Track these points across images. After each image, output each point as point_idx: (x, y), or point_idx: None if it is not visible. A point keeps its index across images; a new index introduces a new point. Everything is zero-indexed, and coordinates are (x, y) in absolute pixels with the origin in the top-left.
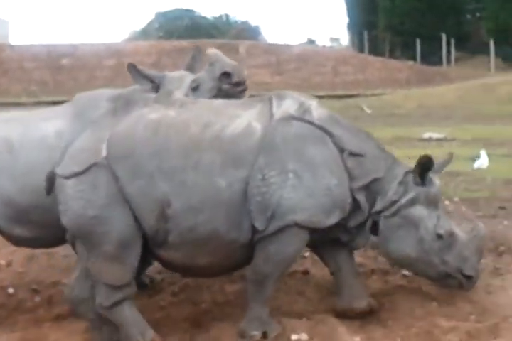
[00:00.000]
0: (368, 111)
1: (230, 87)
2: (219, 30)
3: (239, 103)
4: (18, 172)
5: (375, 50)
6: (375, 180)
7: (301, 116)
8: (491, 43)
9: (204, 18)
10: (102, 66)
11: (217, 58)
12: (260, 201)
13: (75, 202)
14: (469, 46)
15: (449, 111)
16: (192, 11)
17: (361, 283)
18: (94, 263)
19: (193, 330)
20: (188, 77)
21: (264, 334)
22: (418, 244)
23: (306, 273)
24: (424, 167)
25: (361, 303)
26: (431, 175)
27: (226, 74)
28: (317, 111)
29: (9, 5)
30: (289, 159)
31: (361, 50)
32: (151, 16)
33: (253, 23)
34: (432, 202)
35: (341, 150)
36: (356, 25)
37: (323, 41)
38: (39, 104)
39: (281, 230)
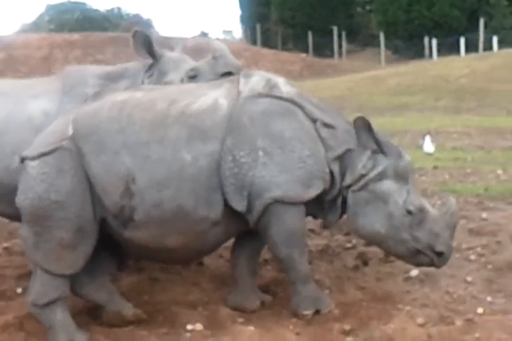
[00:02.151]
0: None
1: None
2: (111, 23)
3: (208, 84)
4: (4, 152)
5: (268, 43)
6: (348, 151)
7: (269, 93)
8: (381, 36)
9: (96, 10)
10: None
11: (222, 54)
12: (234, 182)
13: (37, 184)
14: (360, 39)
15: (340, 103)
16: (83, 3)
17: (255, 282)
18: (43, 249)
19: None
20: (186, 62)
21: (317, 312)
22: (387, 220)
23: (201, 264)
24: (365, 127)
25: (253, 304)
26: (400, 149)
27: (229, 74)
28: (285, 87)
29: None
30: (257, 137)
31: (254, 42)
32: (42, 9)
33: (145, 15)
34: (402, 176)
35: (314, 121)
36: (249, 17)
37: (216, 34)
38: None
39: (266, 210)
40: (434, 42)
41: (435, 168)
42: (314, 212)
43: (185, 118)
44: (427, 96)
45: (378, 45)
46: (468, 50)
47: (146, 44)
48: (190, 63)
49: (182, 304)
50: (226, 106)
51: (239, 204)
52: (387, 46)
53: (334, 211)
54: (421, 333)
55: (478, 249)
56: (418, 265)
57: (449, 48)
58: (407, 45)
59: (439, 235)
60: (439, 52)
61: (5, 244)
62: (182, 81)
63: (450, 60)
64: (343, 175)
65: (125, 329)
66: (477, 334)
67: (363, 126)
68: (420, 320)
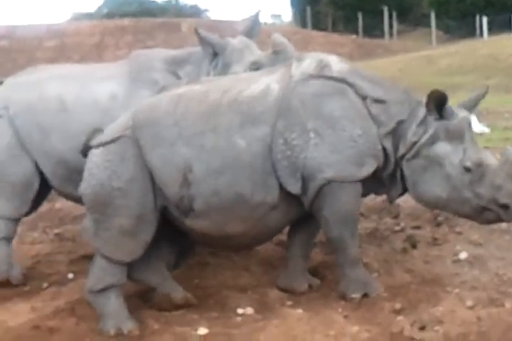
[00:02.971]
0: None
1: None
2: (168, 14)
3: (264, 70)
4: (71, 133)
5: (318, 25)
6: (400, 122)
7: (320, 73)
8: (432, 15)
9: (154, 2)
10: (42, 47)
11: (283, 48)
12: (287, 165)
13: (100, 171)
14: (411, 19)
15: None
16: None
17: (306, 266)
18: (103, 236)
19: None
20: (249, 52)
21: (365, 296)
22: (446, 182)
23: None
24: (437, 101)
25: (301, 286)
26: (455, 109)
27: None
28: (337, 65)
29: None
30: (308, 119)
31: (304, 25)
32: (101, 1)
33: (202, 6)
34: (456, 135)
35: (364, 98)
36: (299, 0)
37: (264, 18)
38: None
39: (320, 191)
40: (485, 21)
41: (486, 148)
42: (375, 189)
43: (237, 105)
44: (477, 76)
45: (429, 25)
46: None
47: (201, 37)
48: (254, 52)
49: (232, 288)
50: (277, 90)
51: (293, 187)
52: (438, 26)
53: (395, 186)
54: (470, 315)
55: None
56: (488, 223)
57: (500, 26)
58: (459, 24)
59: (502, 187)
60: (490, 30)
61: (56, 230)
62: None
63: (500, 38)
64: (397, 148)
65: (175, 313)
66: None
67: (436, 98)
68: (469, 303)
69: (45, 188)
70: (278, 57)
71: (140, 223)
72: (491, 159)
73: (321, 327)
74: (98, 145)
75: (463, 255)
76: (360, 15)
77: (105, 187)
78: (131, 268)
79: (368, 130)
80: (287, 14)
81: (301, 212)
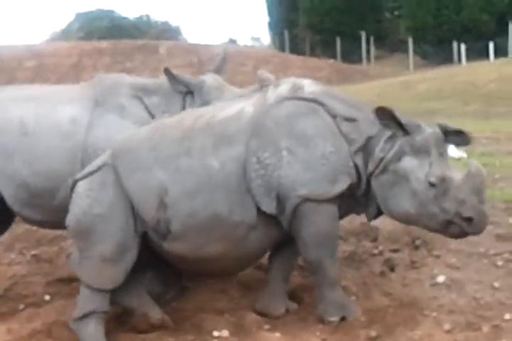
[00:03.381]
0: None
1: None
2: (140, 30)
3: (240, 98)
4: (32, 157)
5: (296, 49)
6: (369, 139)
7: (293, 95)
8: (410, 41)
9: (125, 18)
10: (22, 67)
11: (269, 84)
12: (261, 184)
13: (83, 200)
14: (388, 44)
15: None
16: (112, 11)
17: (284, 289)
18: (85, 264)
19: None
20: (227, 90)
21: (343, 319)
22: (413, 198)
23: None
24: (384, 117)
25: (279, 310)
26: (424, 125)
27: None
28: (310, 87)
29: None
30: (280, 138)
31: (282, 49)
32: (72, 17)
33: (174, 23)
34: (421, 150)
35: (334, 117)
36: (277, 24)
37: (244, 41)
38: None
39: (296, 211)
40: (463, 47)
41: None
42: (353, 208)
43: (210, 128)
44: (456, 102)
45: (407, 51)
46: (497, 54)
47: (172, 77)
48: (232, 91)
49: (209, 311)
50: (251, 112)
51: (268, 207)
52: (415, 51)
53: (371, 203)
54: (448, 339)
55: (506, 255)
56: (454, 237)
57: (478, 53)
58: (436, 50)
59: (465, 201)
60: (468, 57)
61: (33, 252)
62: None
63: (479, 65)
64: (367, 164)
65: (151, 336)
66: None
67: (384, 114)
68: (447, 326)
69: (6, 212)
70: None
71: (121, 250)
72: (456, 174)
73: None
74: (82, 177)
75: (441, 278)
76: (338, 40)
77: (87, 215)
78: (113, 292)
79: (339, 148)
80: (266, 37)
81: (282, 233)
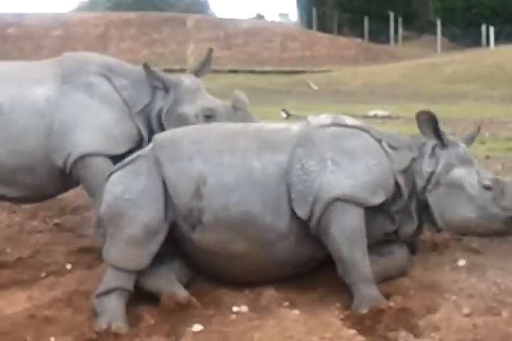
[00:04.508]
0: (315, 87)
1: None
2: (168, 3)
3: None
4: (8, 136)
5: (324, 27)
6: (413, 160)
7: (336, 122)
8: (438, 23)
9: None
10: (48, 36)
11: (243, 107)
12: (301, 189)
13: (115, 188)
14: (417, 25)
15: (395, 90)
16: None
17: None
18: (113, 247)
19: None
20: (201, 96)
21: (373, 308)
22: (472, 203)
23: None
24: (429, 123)
25: None
26: (454, 139)
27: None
28: (350, 120)
29: None
30: (326, 151)
31: (310, 26)
32: None
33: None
34: (465, 160)
35: (379, 141)
36: (306, 1)
37: (272, 16)
38: None
39: (327, 210)
40: (492, 30)
41: (487, 157)
42: (383, 226)
43: (258, 133)
44: (482, 85)
45: (435, 32)
46: None
47: (150, 73)
48: (207, 99)
49: (228, 286)
50: (297, 129)
51: (303, 211)
52: (444, 33)
53: (409, 220)
54: (467, 323)
55: None
56: None
57: (506, 37)
58: (464, 32)
59: None
60: (497, 40)
61: (56, 220)
62: (197, 117)
63: (507, 48)
64: (411, 184)
65: (171, 310)
66: None
67: (427, 119)
68: (466, 310)
69: None
70: (236, 112)
71: (147, 233)
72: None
73: (317, 329)
74: (117, 169)
75: (461, 262)
76: (366, 20)
77: (118, 200)
78: (142, 277)
79: (382, 163)
80: (294, 14)
81: (314, 249)
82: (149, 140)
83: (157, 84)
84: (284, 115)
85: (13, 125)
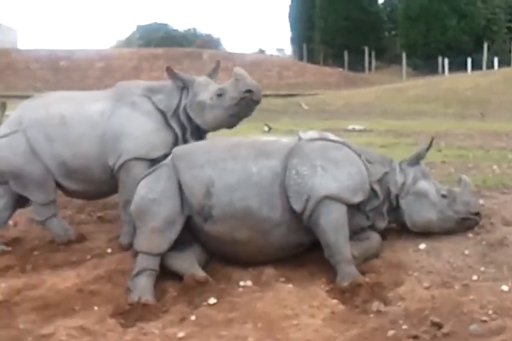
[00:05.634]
0: (306, 107)
1: (249, 100)
2: (188, 40)
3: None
4: (69, 141)
5: (312, 60)
6: (385, 173)
7: (322, 138)
8: (403, 55)
9: (176, 30)
10: (93, 67)
11: (242, 77)
12: (297, 189)
13: (142, 190)
14: (386, 57)
15: (369, 109)
16: (166, 24)
17: None
18: (140, 237)
19: None
20: (212, 85)
21: (352, 283)
22: (433, 208)
23: None
24: (420, 156)
25: None
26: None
27: (249, 91)
28: (332, 136)
29: (17, 15)
30: (316, 159)
31: (301, 58)
32: (133, 28)
33: (215, 35)
34: (426, 175)
35: (359, 155)
36: (298, 38)
37: (271, 51)
38: None
39: (318, 205)
40: (446, 61)
41: (443, 162)
42: (360, 221)
43: (254, 144)
44: (438, 105)
45: (401, 63)
46: (473, 68)
47: (173, 74)
48: (215, 85)
49: (236, 266)
50: (287, 141)
51: (298, 206)
52: (408, 64)
53: (381, 218)
54: (426, 294)
55: (475, 228)
56: (468, 229)
57: (458, 66)
58: (424, 63)
59: (469, 201)
60: (450, 69)
61: (99, 214)
62: (212, 99)
63: (458, 76)
64: (385, 191)
65: (192, 286)
66: (471, 297)
67: (414, 161)
68: (426, 284)
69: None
70: (239, 83)
71: (167, 224)
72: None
73: (307, 299)
74: (144, 177)
75: (422, 246)
76: (346, 53)
77: (144, 200)
78: (169, 260)
79: (361, 171)
80: (288, 48)
81: (302, 236)
82: (183, 137)
83: (179, 83)
84: (266, 129)
85: (73, 133)
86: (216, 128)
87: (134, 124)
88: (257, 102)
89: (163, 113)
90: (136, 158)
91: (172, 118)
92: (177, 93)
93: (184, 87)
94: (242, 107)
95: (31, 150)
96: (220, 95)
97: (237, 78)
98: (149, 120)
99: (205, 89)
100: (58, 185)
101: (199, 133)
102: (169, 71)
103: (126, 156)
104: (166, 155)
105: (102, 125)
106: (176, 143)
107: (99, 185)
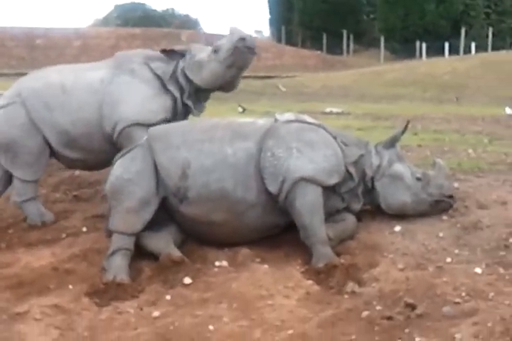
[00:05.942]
0: (283, 89)
1: (243, 47)
2: (165, 20)
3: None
4: (70, 109)
5: (291, 42)
6: (361, 156)
7: (298, 120)
8: (382, 39)
9: (154, 10)
10: (70, 46)
11: (237, 29)
12: (272, 171)
13: (117, 170)
14: (365, 41)
15: (347, 92)
16: (144, 4)
17: None
18: (115, 216)
19: None
20: (206, 48)
21: (327, 264)
22: (408, 191)
23: None
24: (396, 139)
25: None
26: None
27: (242, 39)
28: (308, 118)
29: None
30: (292, 141)
31: (279, 41)
32: (111, 7)
33: (193, 16)
34: (401, 158)
35: (334, 137)
36: (276, 20)
37: (249, 32)
38: (18, 74)
39: (293, 187)
40: (424, 45)
41: (419, 146)
42: (336, 203)
43: (231, 125)
44: (416, 89)
45: (379, 47)
46: (451, 52)
47: (167, 52)
48: (208, 48)
49: (212, 246)
50: (263, 122)
51: (274, 187)
52: (386, 47)
53: (356, 200)
54: (401, 276)
55: (450, 211)
56: (442, 211)
57: (435, 51)
58: (402, 47)
59: (443, 185)
60: (428, 54)
61: (74, 193)
62: (210, 56)
63: (436, 60)
64: (360, 172)
65: (168, 266)
66: (445, 279)
67: (389, 144)
68: (401, 266)
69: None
70: (233, 34)
71: (142, 204)
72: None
73: (282, 280)
74: (119, 157)
75: (397, 228)
76: (324, 36)
77: (119, 179)
78: (145, 239)
79: (337, 153)
80: (267, 31)
81: (278, 217)
82: (181, 100)
83: (177, 57)
84: (240, 110)
85: (73, 100)
86: (214, 85)
87: (133, 91)
88: (251, 50)
89: (161, 79)
90: (136, 124)
91: (170, 82)
92: (174, 63)
93: (181, 57)
94: (237, 56)
95: (30, 121)
96: (216, 51)
97: (231, 32)
98: (147, 86)
99: (201, 51)
100: (57, 157)
101: (197, 96)
102: (165, 51)
103: (124, 123)
104: (166, 120)
105: (102, 92)
106: (175, 107)
107: (99, 154)
